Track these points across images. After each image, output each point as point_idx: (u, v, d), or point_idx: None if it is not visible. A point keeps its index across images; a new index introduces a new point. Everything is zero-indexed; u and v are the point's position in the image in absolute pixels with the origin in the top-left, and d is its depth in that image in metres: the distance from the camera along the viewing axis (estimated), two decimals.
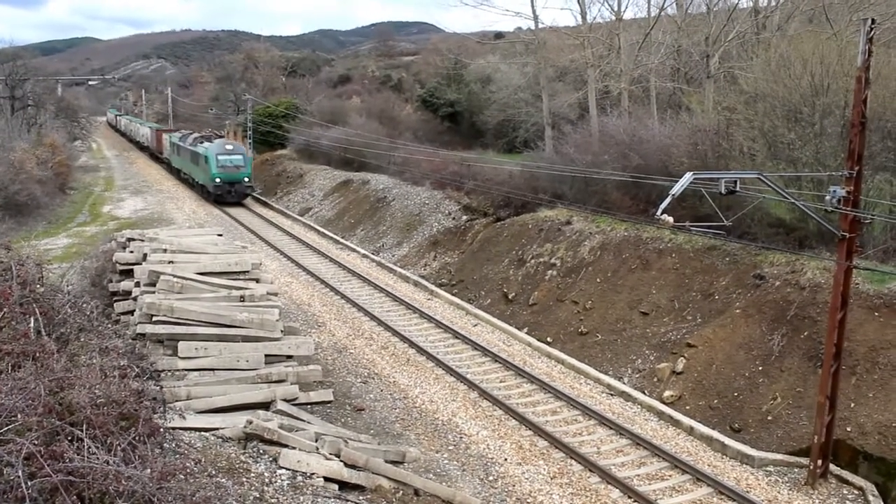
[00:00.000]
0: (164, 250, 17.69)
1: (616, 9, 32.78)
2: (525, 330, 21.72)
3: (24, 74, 60.57)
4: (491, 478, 13.34)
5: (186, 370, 13.70)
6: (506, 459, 14.02)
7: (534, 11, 64.11)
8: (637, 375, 18.02)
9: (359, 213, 37.71)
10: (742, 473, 13.70)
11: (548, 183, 27.48)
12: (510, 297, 23.78)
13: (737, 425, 15.28)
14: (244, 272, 17.23)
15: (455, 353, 19.79)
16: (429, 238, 31.14)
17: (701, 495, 12.94)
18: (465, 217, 31.18)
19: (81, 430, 6.77)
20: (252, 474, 9.38)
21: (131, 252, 18.45)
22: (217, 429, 11.06)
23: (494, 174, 30.77)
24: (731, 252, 19.23)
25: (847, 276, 12.99)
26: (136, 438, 7.21)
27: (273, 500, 8.78)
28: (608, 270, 21.72)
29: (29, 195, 38.66)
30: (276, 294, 17.28)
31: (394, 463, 12.02)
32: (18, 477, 5.82)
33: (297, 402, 14.00)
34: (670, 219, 11.80)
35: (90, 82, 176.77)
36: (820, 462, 13.26)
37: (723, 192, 12.18)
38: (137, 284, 16.30)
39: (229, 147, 45.00)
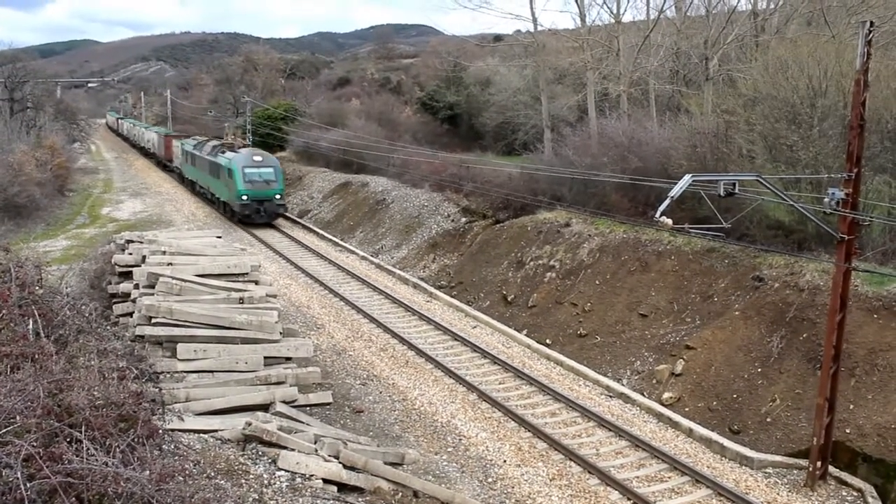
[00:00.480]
0: (164, 252, 17.70)
1: (615, 11, 32.89)
2: (524, 332, 21.72)
3: (23, 76, 60.62)
4: (490, 479, 13.33)
5: (185, 372, 13.72)
6: (505, 461, 14.01)
7: (533, 14, 64.35)
8: (636, 377, 18.02)
9: (358, 216, 37.71)
10: (741, 475, 13.70)
11: (547, 185, 27.49)
12: (509, 299, 23.78)
13: (736, 427, 15.28)
14: (243, 274, 17.23)
15: (454, 354, 19.78)
16: (428, 240, 31.15)
17: (700, 497, 12.94)
18: (464, 219, 31.20)
19: (80, 432, 6.77)
20: (251, 476, 9.38)
21: (130, 254, 18.47)
22: (216, 430, 11.08)
23: (493, 176, 30.79)
24: (730, 254, 19.24)
25: (846, 279, 13.00)
26: (135, 440, 7.22)
27: (272, 502, 8.78)
28: (607, 272, 21.73)
29: (28, 197, 38.68)
30: (275, 296, 17.29)
31: (393, 465, 12.03)
32: (17, 478, 5.82)
33: (296, 403, 14.02)
34: (669, 221, 11.80)
35: (89, 84, 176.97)
36: (819, 464, 13.26)
37: (721, 194, 12.18)
38: (136, 286, 16.30)
39: (258, 158, 38.15)
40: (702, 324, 18.14)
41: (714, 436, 14.95)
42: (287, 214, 39.89)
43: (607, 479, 13.27)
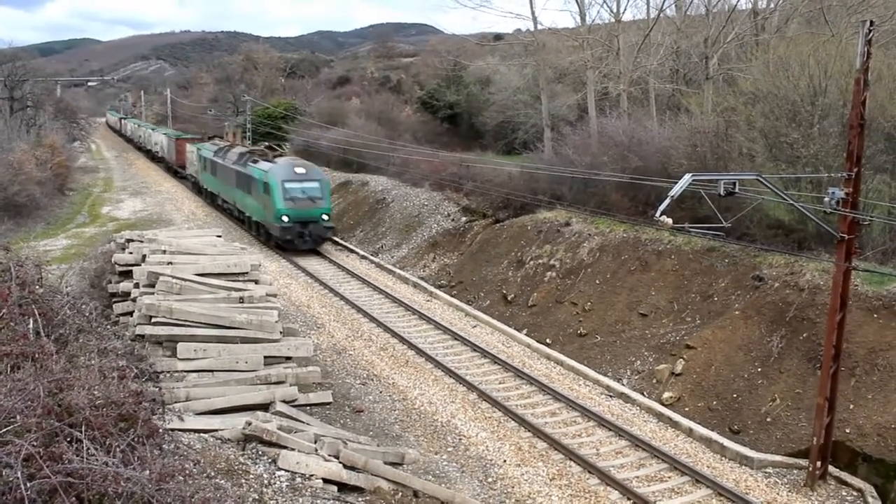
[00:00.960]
0: (164, 251, 17.67)
1: (615, 10, 32.84)
2: (524, 331, 21.72)
3: (23, 75, 60.58)
4: (490, 479, 13.33)
5: (185, 371, 13.71)
6: (505, 461, 14.01)
7: (533, 13, 64.40)
8: (636, 377, 18.02)
9: (358, 215, 37.71)
10: (741, 475, 13.70)
11: (547, 184, 27.48)
12: (509, 298, 23.78)
13: (736, 427, 15.28)
14: (243, 273, 17.22)
15: (454, 354, 19.78)
16: (428, 239, 31.15)
17: (700, 497, 12.94)
18: (464, 218, 31.20)
19: (80, 432, 6.77)
20: (251, 476, 9.38)
21: (130, 253, 18.45)
22: (216, 430, 11.07)
23: (493, 175, 30.79)
24: (730, 253, 19.24)
25: (846, 278, 12.99)
26: (135, 440, 7.22)
27: (272, 502, 8.78)
28: (607, 272, 21.73)
29: (28, 196, 38.67)
30: (275, 295, 17.27)
31: (393, 464, 12.02)
32: (18, 478, 5.82)
33: (296, 403, 14.01)
34: (669, 220, 11.80)
35: (89, 83, 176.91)
36: (819, 463, 13.26)
37: (722, 193, 12.17)
38: (136, 285, 16.28)
39: (301, 170, 31.07)
40: (702, 323, 18.14)
41: (714, 435, 14.95)
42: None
43: (607, 478, 13.27)
